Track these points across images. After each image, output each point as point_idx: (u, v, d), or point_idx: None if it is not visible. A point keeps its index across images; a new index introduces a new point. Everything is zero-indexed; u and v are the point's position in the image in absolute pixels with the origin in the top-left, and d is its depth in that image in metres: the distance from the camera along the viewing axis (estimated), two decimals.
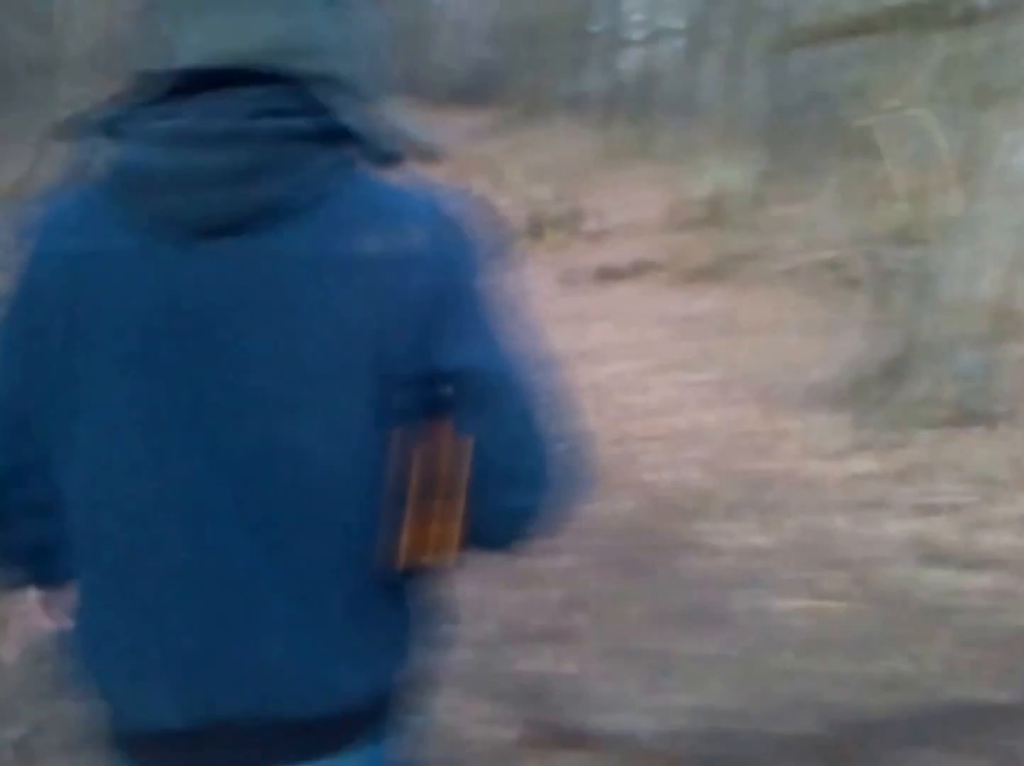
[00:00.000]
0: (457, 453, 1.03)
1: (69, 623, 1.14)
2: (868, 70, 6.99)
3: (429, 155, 1.04)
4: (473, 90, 21.99)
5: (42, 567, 1.19)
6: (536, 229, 10.00)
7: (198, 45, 1.00)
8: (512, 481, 1.06)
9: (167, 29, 1.03)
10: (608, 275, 8.98)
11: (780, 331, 6.88)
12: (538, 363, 1.08)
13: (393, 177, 1.03)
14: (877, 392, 5.21)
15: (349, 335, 1.00)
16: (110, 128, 1.01)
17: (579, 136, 16.55)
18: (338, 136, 1.00)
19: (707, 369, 6.15)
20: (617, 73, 19.81)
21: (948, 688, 3.07)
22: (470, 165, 9.08)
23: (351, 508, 1.05)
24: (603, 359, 6.32)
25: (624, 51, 20.05)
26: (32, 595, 1.27)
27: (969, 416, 4.85)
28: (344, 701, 1.10)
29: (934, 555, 3.90)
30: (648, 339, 6.91)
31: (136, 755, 1.14)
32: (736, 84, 11.39)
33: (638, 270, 8.96)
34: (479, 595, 3.10)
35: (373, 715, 1.14)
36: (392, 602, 1.12)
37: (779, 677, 3.07)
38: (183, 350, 1.01)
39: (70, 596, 1.14)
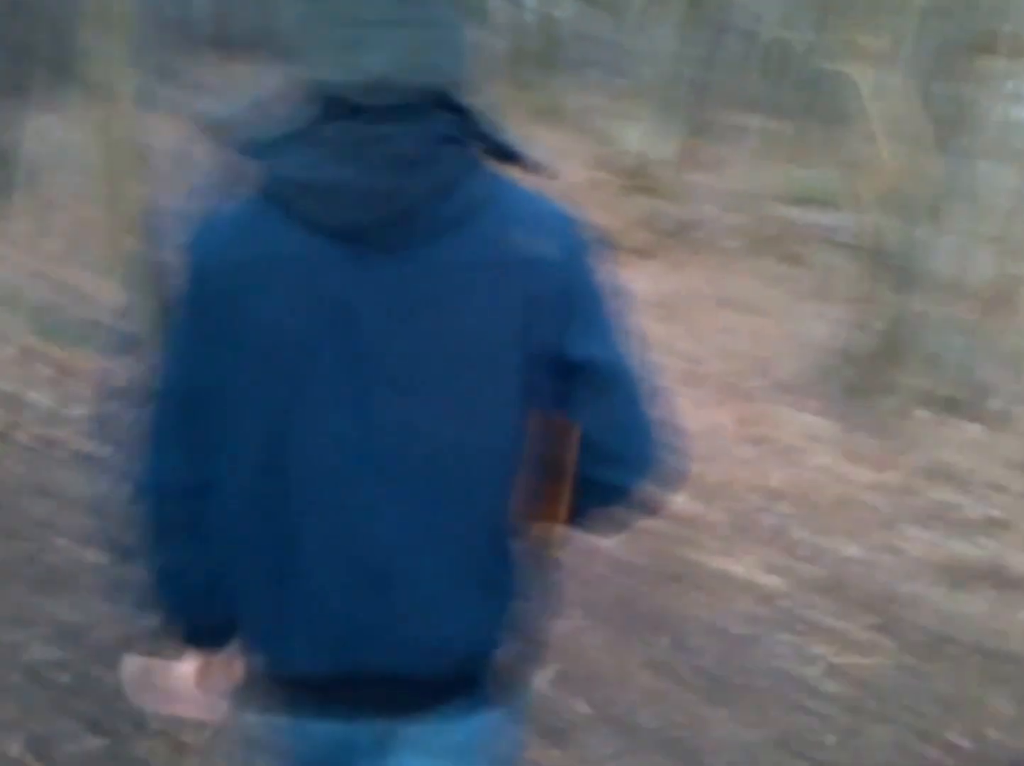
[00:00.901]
0: (569, 437, 1.17)
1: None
2: (832, 17, 6.32)
3: (538, 168, 1.15)
4: None
5: (218, 617, 1.27)
6: None
7: (376, 75, 1.05)
8: (621, 462, 1.19)
9: (343, 60, 1.06)
10: None
11: (730, 313, 6.26)
12: (642, 358, 1.20)
13: (526, 184, 1.15)
14: (859, 384, 4.66)
15: (501, 330, 1.12)
16: (286, 145, 1.09)
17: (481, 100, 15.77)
18: (493, 154, 1.13)
19: (667, 363, 5.52)
20: (517, 30, 19.00)
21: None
22: None
23: (495, 482, 1.18)
24: None
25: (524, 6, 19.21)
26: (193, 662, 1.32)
27: (964, 412, 4.33)
28: (473, 664, 1.23)
29: (963, 580, 3.39)
30: None
31: (286, 696, 1.25)
32: (650, 39, 10.70)
33: None
34: None
35: (488, 676, 1.25)
36: (515, 570, 1.23)
37: None
38: (352, 355, 1.11)
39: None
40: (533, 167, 1.15)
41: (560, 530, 1.25)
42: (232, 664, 1.32)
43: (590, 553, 3.49)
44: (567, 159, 11.58)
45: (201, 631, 1.31)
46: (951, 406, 4.35)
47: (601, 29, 15.54)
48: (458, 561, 1.18)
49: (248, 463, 1.17)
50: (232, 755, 1.78)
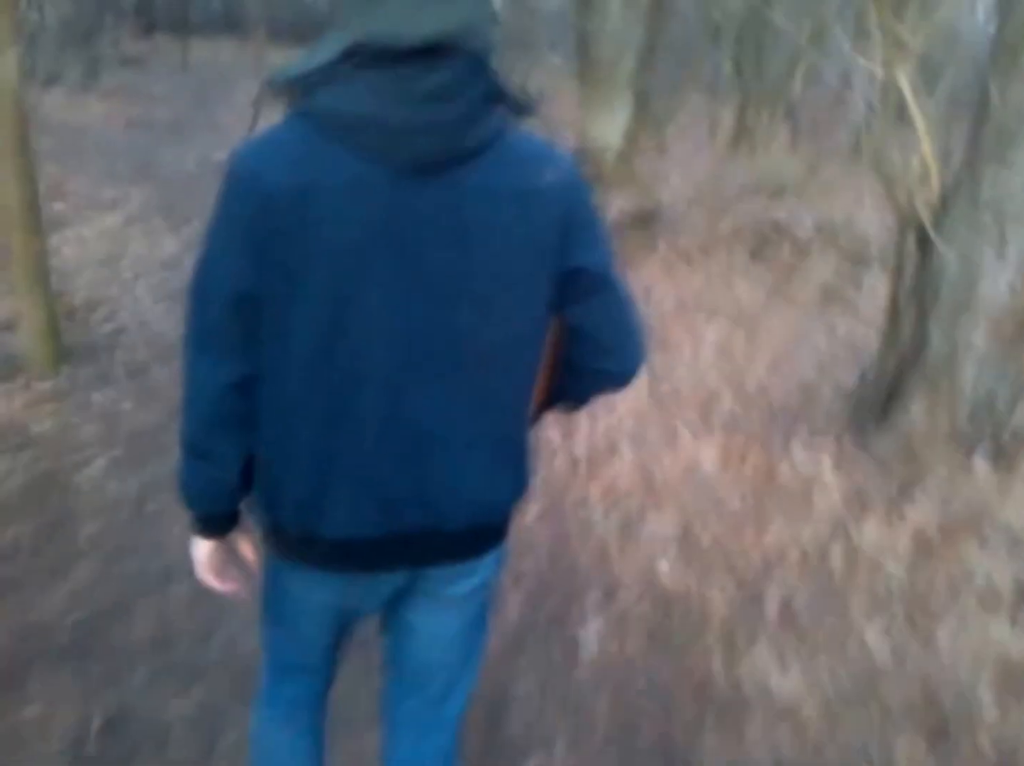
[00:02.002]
0: (557, 332, 1.42)
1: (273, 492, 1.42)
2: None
3: (534, 112, 1.34)
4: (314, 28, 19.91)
5: (239, 490, 1.46)
6: None
7: (410, 21, 1.21)
8: (609, 350, 1.44)
9: (374, 9, 1.23)
10: None
11: (703, 321, 5.59)
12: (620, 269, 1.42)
13: (524, 127, 1.34)
14: (861, 414, 4.01)
15: (524, 246, 1.32)
16: (327, 81, 1.24)
17: None
18: (501, 96, 1.31)
19: (635, 383, 4.81)
20: None
21: None
22: None
23: (520, 374, 1.41)
24: None
25: None
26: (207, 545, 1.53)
27: (986, 451, 3.70)
28: (496, 516, 1.49)
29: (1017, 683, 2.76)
30: None
31: (328, 560, 1.43)
32: (594, 20, 9.89)
33: None
34: None
35: (507, 524, 1.53)
36: (526, 441, 1.49)
37: None
38: (402, 265, 1.28)
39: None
40: (534, 111, 1.34)
41: (541, 409, 1.51)
42: (242, 550, 1.55)
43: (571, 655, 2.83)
44: None
45: (224, 513, 1.50)
46: (972, 443, 3.72)
47: (561, 11, 14.71)
48: (486, 436, 1.39)
49: (304, 356, 1.32)
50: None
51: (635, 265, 6.57)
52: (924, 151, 3.71)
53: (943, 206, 3.74)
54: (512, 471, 1.47)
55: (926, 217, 3.75)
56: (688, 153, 9.97)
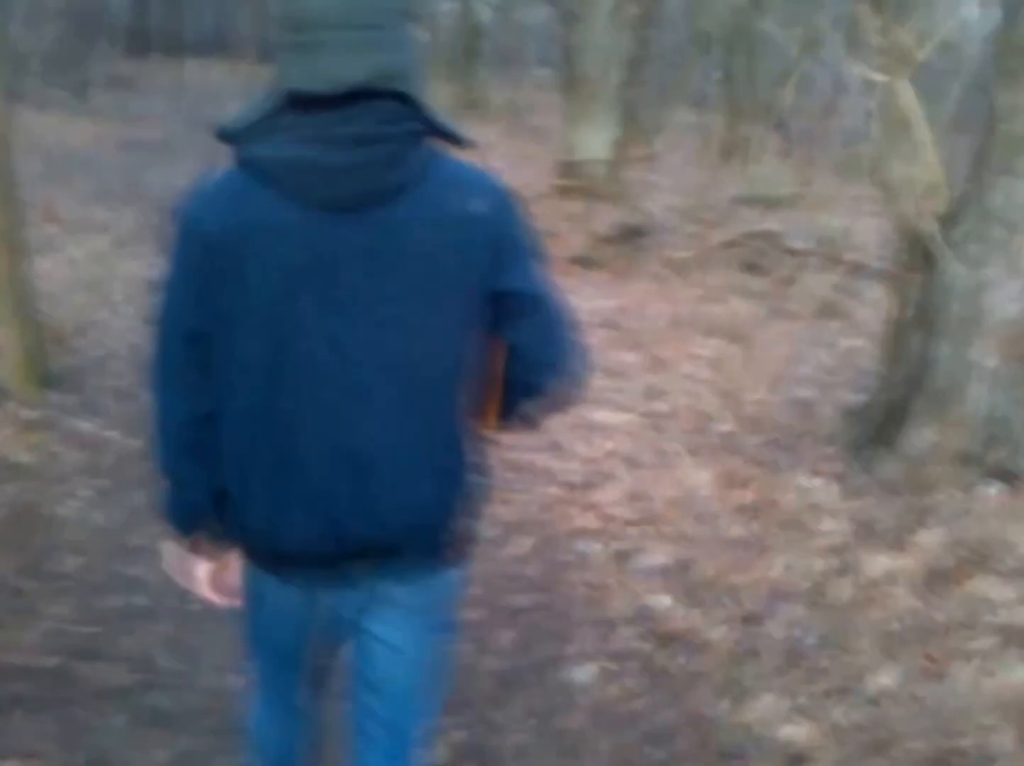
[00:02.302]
0: (498, 352, 1.44)
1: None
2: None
3: (466, 144, 1.40)
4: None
5: (208, 507, 1.52)
6: None
7: (335, 68, 1.30)
8: (544, 368, 1.45)
9: (298, 62, 1.32)
10: None
11: (695, 336, 5.43)
12: (556, 290, 1.47)
13: (458, 157, 1.40)
14: (873, 442, 3.82)
15: (445, 272, 1.38)
16: (263, 131, 1.35)
17: None
18: (431, 131, 1.37)
19: (627, 403, 4.64)
20: (436, 25, 17.87)
21: None
22: None
23: (448, 391, 1.43)
24: None
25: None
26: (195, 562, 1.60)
27: (995, 474, 3.52)
28: (439, 533, 1.50)
29: None
30: None
31: (278, 563, 1.51)
32: (580, 33, 9.74)
33: None
34: None
35: (455, 542, 1.53)
36: (469, 460, 1.50)
37: None
38: (331, 296, 1.36)
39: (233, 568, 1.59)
40: (463, 143, 1.40)
41: (494, 427, 1.53)
42: (231, 566, 1.61)
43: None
44: (500, 157, 10.69)
45: (198, 524, 1.56)
46: (983, 467, 3.54)
47: (548, 25, 14.57)
48: (422, 453, 1.45)
49: (250, 387, 1.41)
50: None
51: (627, 280, 6.42)
52: (929, 162, 3.54)
53: (950, 219, 3.58)
54: (453, 488, 1.50)
55: (932, 230, 3.58)
56: (678, 164, 9.82)
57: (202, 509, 1.53)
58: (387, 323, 1.38)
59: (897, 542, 3.33)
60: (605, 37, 8.48)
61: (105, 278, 6.72)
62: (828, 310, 5.55)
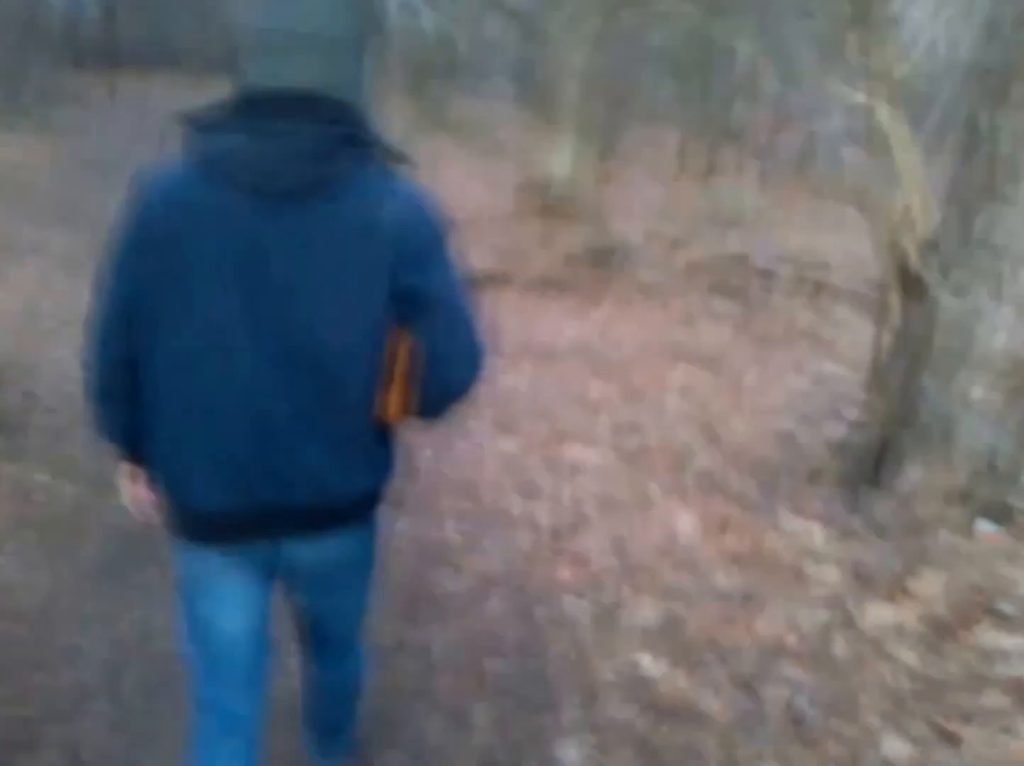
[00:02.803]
0: (408, 345, 1.60)
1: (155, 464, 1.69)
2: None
3: (400, 156, 1.58)
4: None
5: (133, 441, 1.72)
6: None
7: (278, 73, 1.50)
8: (452, 361, 1.61)
9: (254, 63, 1.51)
10: None
11: (673, 365, 5.24)
12: (466, 292, 1.61)
13: (390, 169, 1.56)
14: (860, 481, 3.64)
15: (357, 265, 1.53)
16: (209, 124, 1.52)
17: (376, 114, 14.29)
18: (364, 141, 1.53)
19: (601, 438, 4.43)
20: (393, 39, 17.59)
21: None
22: None
23: (360, 376, 1.59)
24: (464, 433, 4.52)
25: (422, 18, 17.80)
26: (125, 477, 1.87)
27: (993, 515, 3.36)
28: (340, 499, 1.67)
29: None
30: (510, 389, 5.09)
31: (206, 531, 1.69)
32: (542, 49, 9.55)
33: (470, 284, 6.69)
34: None
35: (365, 506, 1.74)
36: (377, 438, 1.67)
37: None
38: (253, 277, 1.51)
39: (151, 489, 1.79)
40: (397, 156, 1.57)
41: (405, 414, 1.65)
42: (150, 486, 1.81)
43: None
44: (461, 174, 10.45)
45: (130, 453, 1.77)
46: (976, 506, 3.38)
47: (507, 38, 14.36)
48: (327, 428, 1.60)
49: (172, 351, 1.57)
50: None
51: (595, 304, 6.22)
52: (910, 185, 3.39)
53: (933, 244, 3.42)
54: (355, 461, 1.66)
55: (915, 257, 3.43)
56: (641, 181, 9.68)
57: (123, 435, 1.75)
58: (301, 305, 1.53)
59: (894, 590, 3.15)
60: (567, 53, 8.30)
61: (34, 308, 6.39)
62: (802, 333, 5.40)
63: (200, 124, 1.53)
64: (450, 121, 13.85)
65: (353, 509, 1.72)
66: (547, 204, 8.10)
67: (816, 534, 3.47)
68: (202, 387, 1.56)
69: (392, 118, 12.92)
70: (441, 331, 1.58)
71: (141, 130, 14.03)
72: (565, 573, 3.39)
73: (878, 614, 3.05)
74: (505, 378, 5.18)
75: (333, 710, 2.19)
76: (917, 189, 3.36)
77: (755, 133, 9.30)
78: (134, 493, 1.87)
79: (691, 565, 3.38)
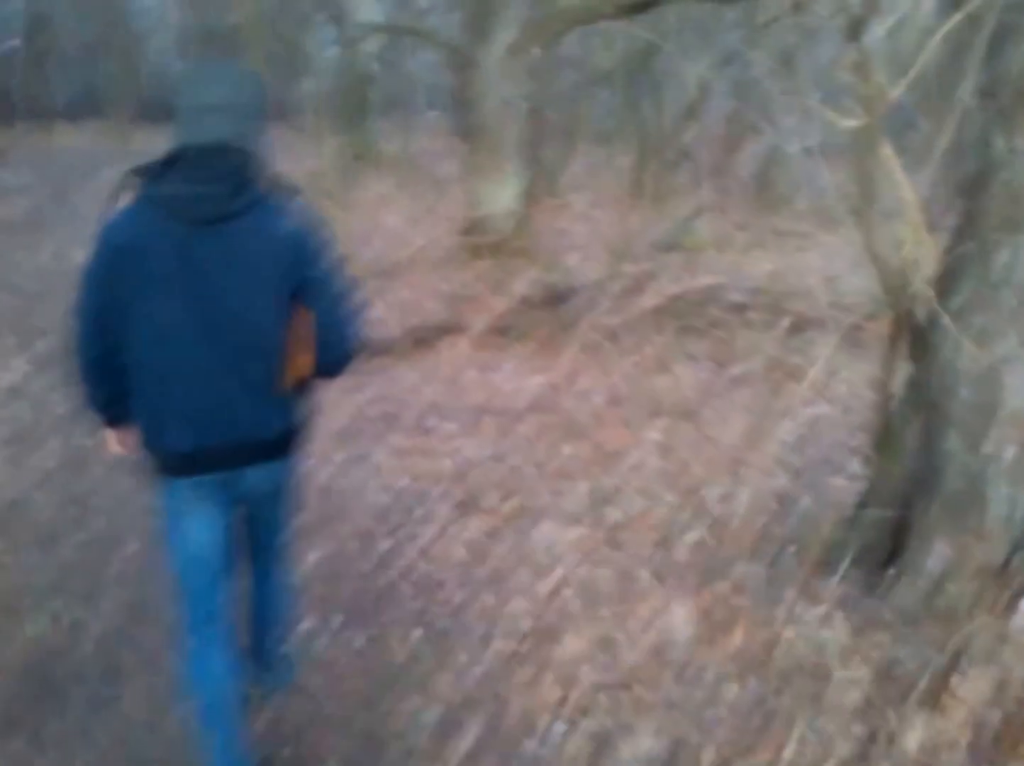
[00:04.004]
0: (307, 320, 2.24)
1: (136, 419, 2.33)
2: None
3: (287, 185, 2.25)
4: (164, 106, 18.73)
5: (116, 411, 2.38)
6: None
7: (201, 133, 2.14)
8: (339, 329, 2.27)
9: (183, 127, 2.17)
10: (379, 349, 6.07)
11: (645, 419, 4.76)
12: (347, 280, 2.30)
13: (284, 196, 2.22)
14: (878, 558, 3.17)
15: (269, 269, 2.18)
16: (153, 174, 2.15)
17: (304, 152, 13.70)
18: (264, 178, 2.17)
19: (573, 512, 3.92)
20: (320, 73, 17.10)
21: None
22: None
23: (274, 345, 2.24)
24: (424, 515, 4.01)
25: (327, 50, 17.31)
26: (108, 432, 2.50)
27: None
28: (270, 435, 2.34)
29: None
30: (471, 459, 4.58)
31: (177, 467, 2.31)
32: (476, 80, 9.09)
33: (422, 338, 6.12)
34: None
35: (288, 442, 2.40)
36: (293, 392, 2.34)
37: None
38: (193, 281, 2.14)
39: (132, 432, 2.37)
40: (289, 188, 2.25)
41: (308, 372, 2.32)
42: (128, 436, 2.43)
43: None
44: (399, 212, 9.94)
45: (110, 419, 2.44)
46: (1009, 582, 2.93)
47: (435, 68, 13.91)
48: (252, 383, 2.26)
49: (143, 338, 2.19)
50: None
51: (554, 351, 5.73)
52: (912, 218, 2.95)
53: (945, 284, 2.99)
54: (276, 408, 2.33)
55: (926, 301, 2.99)
56: (589, 209, 9.26)
57: (103, 408, 2.38)
58: (226, 297, 2.16)
59: (930, 695, 2.68)
60: (502, 83, 7.85)
61: None
62: (784, 372, 4.96)
63: (146, 174, 2.15)
64: (386, 159, 13.36)
65: (278, 444, 2.39)
66: (494, 242, 7.63)
67: (831, 625, 2.99)
68: (163, 361, 2.20)
69: (325, 158, 12.42)
70: (327, 306, 2.25)
71: (69, 184, 13.43)
72: (547, 689, 2.88)
73: (915, 730, 2.58)
74: (465, 444, 4.68)
75: (266, 622, 2.78)
76: (916, 222, 2.92)
77: (710, 152, 8.93)
78: (118, 442, 2.51)
79: (696, 674, 2.89)
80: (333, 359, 2.31)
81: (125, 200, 2.15)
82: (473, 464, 4.47)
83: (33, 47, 21.20)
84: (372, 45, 15.19)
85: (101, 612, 3.42)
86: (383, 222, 9.29)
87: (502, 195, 7.95)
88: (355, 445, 4.80)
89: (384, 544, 3.81)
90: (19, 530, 4.03)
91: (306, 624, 3.30)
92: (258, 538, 2.62)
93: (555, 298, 6.27)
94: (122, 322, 2.18)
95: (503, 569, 3.57)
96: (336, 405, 5.40)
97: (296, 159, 13.45)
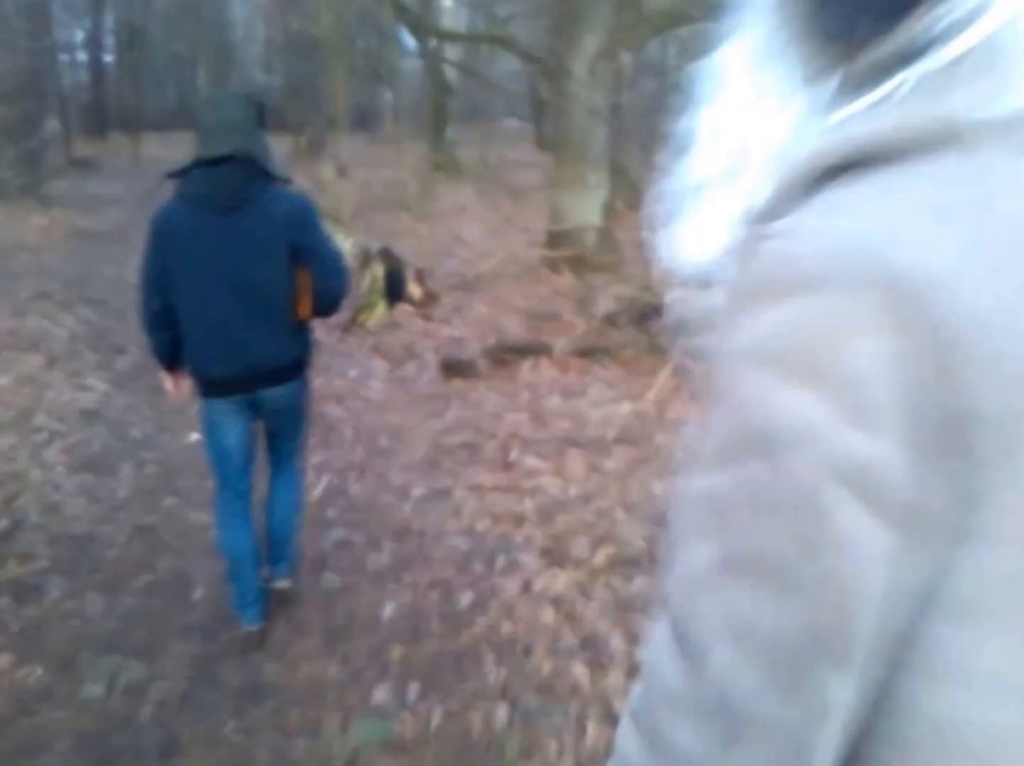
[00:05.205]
0: (306, 275, 3.00)
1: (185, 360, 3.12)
2: None
3: (285, 179, 3.07)
4: None
5: (172, 357, 3.13)
6: (357, 303, 7.00)
7: (216, 147, 2.85)
8: (331, 278, 3.03)
9: (202, 141, 2.87)
10: (459, 370, 5.74)
11: None
12: (331, 242, 3.12)
13: (282, 186, 3.02)
14: None
15: (274, 241, 2.91)
16: (184, 176, 2.92)
17: (382, 161, 13.47)
18: (266, 175, 2.93)
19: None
20: (405, 86, 16.89)
21: None
22: None
23: (281, 295, 2.99)
24: (509, 565, 3.61)
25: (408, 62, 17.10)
26: (165, 376, 3.25)
27: None
28: (283, 361, 3.07)
29: None
30: (557, 499, 4.17)
31: (214, 389, 3.04)
32: (556, 87, 8.68)
33: (502, 358, 5.72)
34: None
35: (296, 367, 3.13)
36: (301, 329, 3.11)
37: None
38: (219, 254, 2.87)
39: (185, 377, 3.21)
40: (283, 179, 3.04)
41: (309, 315, 3.08)
42: (182, 380, 3.23)
43: None
44: (485, 223, 9.61)
45: (167, 363, 3.18)
46: None
47: (514, 75, 13.57)
48: (267, 324, 2.99)
49: (187, 295, 2.94)
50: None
51: (642, 374, 5.28)
52: None
53: None
54: (287, 341, 3.08)
55: None
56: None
57: (166, 355, 3.14)
58: (244, 262, 2.91)
59: None
60: (588, 93, 7.43)
61: (28, 411, 5.59)
62: None
63: (179, 177, 2.94)
64: (466, 169, 13.03)
65: (291, 369, 3.11)
66: (576, 256, 7.20)
67: None
68: (202, 313, 2.95)
69: (404, 168, 12.10)
70: (320, 265, 3.00)
71: (157, 194, 13.41)
72: None
73: None
74: (550, 482, 4.27)
75: (280, 524, 3.37)
76: None
77: None
78: (173, 385, 3.27)
79: None
80: (326, 303, 3.09)
81: (166, 196, 2.98)
82: (559, 505, 4.06)
83: (126, 60, 21.44)
84: (452, 54, 14.89)
85: (162, 671, 3.11)
86: (461, 233, 8.97)
87: (585, 207, 7.53)
88: (434, 479, 4.44)
89: (465, 598, 3.43)
90: (85, 571, 3.75)
91: (381, 693, 2.94)
92: (275, 443, 3.34)
93: (642, 317, 5.82)
94: (172, 286, 2.95)
95: (597, 635, 3.16)
96: (415, 433, 5.06)
97: (373, 168, 13.27)
